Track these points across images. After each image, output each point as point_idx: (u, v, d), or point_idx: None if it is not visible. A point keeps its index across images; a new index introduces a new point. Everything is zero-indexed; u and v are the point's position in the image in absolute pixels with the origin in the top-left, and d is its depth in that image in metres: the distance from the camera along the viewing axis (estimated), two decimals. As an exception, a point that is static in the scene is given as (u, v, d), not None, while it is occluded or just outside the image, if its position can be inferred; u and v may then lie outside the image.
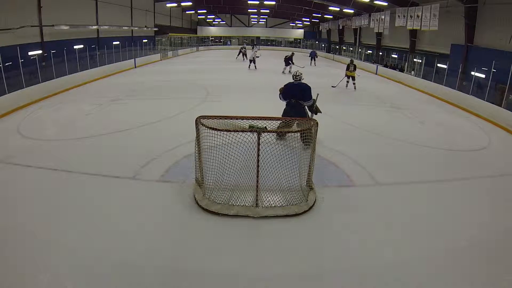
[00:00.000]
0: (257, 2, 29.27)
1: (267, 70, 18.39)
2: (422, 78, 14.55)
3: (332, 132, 6.90)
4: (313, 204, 4.14)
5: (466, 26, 13.58)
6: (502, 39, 11.92)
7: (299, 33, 42.14)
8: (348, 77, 12.94)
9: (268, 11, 36.15)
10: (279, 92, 6.35)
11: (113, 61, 16.19)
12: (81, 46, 14.38)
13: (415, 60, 17.33)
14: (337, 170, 5.24)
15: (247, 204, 3.98)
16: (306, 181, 4.37)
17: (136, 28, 24.29)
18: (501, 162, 6.07)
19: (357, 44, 27.11)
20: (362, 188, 4.76)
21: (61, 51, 12.01)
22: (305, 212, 3.98)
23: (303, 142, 4.53)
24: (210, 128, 3.82)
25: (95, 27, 18.77)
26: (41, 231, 3.52)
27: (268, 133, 3.97)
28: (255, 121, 4.00)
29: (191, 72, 16.93)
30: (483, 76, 11.09)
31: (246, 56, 21.28)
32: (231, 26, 42.18)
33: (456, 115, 10.05)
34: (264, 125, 4.44)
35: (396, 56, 20.03)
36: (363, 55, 24.07)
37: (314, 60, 21.87)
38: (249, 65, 18.48)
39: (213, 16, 40.43)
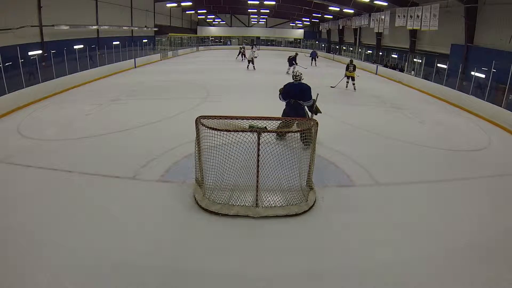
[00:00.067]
0: (257, 2, 29.28)
1: (267, 70, 18.39)
2: (422, 78, 14.54)
3: (332, 132, 6.91)
4: (313, 204, 4.14)
5: (466, 26, 13.58)
6: (502, 39, 11.92)
7: (299, 33, 42.14)
8: (348, 78, 12.87)
9: (268, 11, 36.14)
10: (279, 93, 6.35)
11: (113, 61, 16.17)
12: (81, 46, 14.37)
13: (415, 60, 17.33)
14: (337, 170, 5.24)
15: (247, 204, 3.98)
16: (306, 181, 4.37)
17: (136, 28, 24.29)
18: (501, 162, 6.07)
19: (357, 44, 27.12)
20: (362, 188, 4.76)
21: (61, 51, 12.01)
22: (305, 212, 3.99)
23: (303, 142, 4.54)
24: (210, 128, 3.82)
25: (95, 27, 18.77)
26: (41, 231, 3.52)
27: (268, 133, 3.97)
28: (255, 121, 4.00)
29: (191, 72, 16.94)
30: (483, 76, 11.08)
31: (245, 56, 21.22)
32: (231, 26, 42.18)
33: (456, 115, 10.05)
34: (264, 125, 4.45)
35: (396, 56, 20.03)
36: (363, 55, 24.07)
37: (315, 60, 21.83)
38: (248, 65, 18.39)
39: (213, 16, 40.44)
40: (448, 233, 3.74)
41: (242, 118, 3.89)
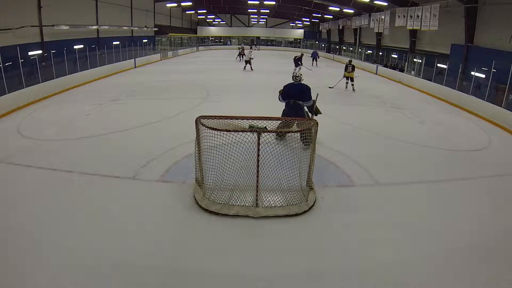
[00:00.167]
0: (257, 2, 29.29)
1: (267, 70, 18.38)
2: (422, 78, 14.54)
3: (332, 132, 6.91)
4: (313, 204, 4.14)
5: (466, 26, 13.58)
6: (502, 39, 11.93)
7: (299, 33, 42.15)
8: (347, 78, 12.74)
9: (268, 11, 36.15)
10: (278, 94, 6.34)
11: (113, 61, 16.18)
12: (81, 46, 14.37)
13: (415, 60, 17.33)
14: (337, 170, 5.24)
15: (247, 204, 3.98)
16: (306, 181, 4.37)
17: (136, 28, 24.29)
18: (501, 162, 6.07)
19: (357, 44, 27.13)
20: (362, 188, 4.76)
21: (61, 51, 12.00)
22: (305, 212, 3.99)
23: (303, 143, 4.53)
24: (210, 128, 3.82)
25: (95, 27, 18.77)
26: (41, 231, 3.52)
27: (268, 133, 3.97)
28: (255, 121, 4.00)
29: (191, 72, 16.94)
30: (483, 76, 11.08)
31: (242, 57, 21.00)
32: (231, 26, 42.19)
33: (456, 115, 10.05)
34: (264, 125, 4.45)
35: (396, 56, 20.04)
36: (363, 55, 24.08)
37: (316, 60, 21.75)
38: (245, 66, 18.10)
39: (213, 16, 40.45)
40: (448, 233, 3.73)
41: (242, 118, 3.89)
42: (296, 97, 6.06)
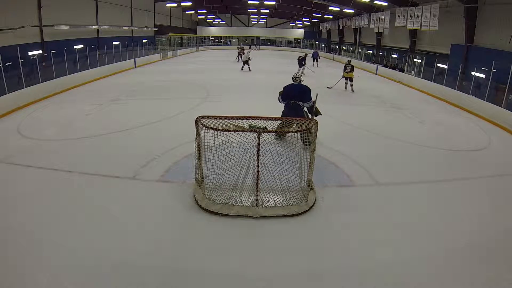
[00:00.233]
0: (257, 2, 29.29)
1: (268, 70, 18.38)
2: (422, 78, 14.54)
3: (332, 132, 6.91)
4: (313, 204, 4.14)
5: (466, 26, 13.58)
6: (502, 39, 11.92)
7: (299, 33, 42.15)
8: (346, 79, 12.59)
9: (268, 11, 36.15)
10: (278, 95, 6.34)
11: (113, 61, 16.18)
12: (81, 46, 14.37)
13: (415, 60, 17.33)
14: (337, 170, 5.24)
15: (247, 204, 3.98)
16: (306, 181, 4.37)
17: (136, 28, 24.29)
18: (501, 162, 6.07)
19: (357, 44, 27.13)
20: (362, 188, 4.76)
21: (61, 51, 12.01)
22: (305, 212, 3.99)
23: (303, 143, 4.53)
24: (210, 128, 3.82)
25: (95, 27, 18.77)
26: (41, 231, 3.52)
27: (268, 133, 3.98)
28: (255, 121, 4.00)
29: (191, 72, 16.94)
30: (483, 76, 11.08)
31: (241, 57, 20.78)
32: (231, 26, 42.19)
33: (456, 115, 10.05)
34: (264, 125, 4.45)
35: (396, 56, 20.04)
36: (363, 55, 24.08)
37: (317, 61, 21.57)
38: (242, 67, 17.87)
39: (213, 16, 40.45)
40: (448, 233, 3.73)
41: (242, 118, 3.89)
42: (296, 97, 6.06)
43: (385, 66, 19.51)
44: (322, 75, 17.04)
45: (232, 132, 3.81)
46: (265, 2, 28.59)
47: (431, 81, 13.66)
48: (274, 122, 4.37)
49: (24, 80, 9.32)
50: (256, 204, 3.97)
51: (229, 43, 41.81)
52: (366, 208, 4.23)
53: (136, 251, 3.27)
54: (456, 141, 7.22)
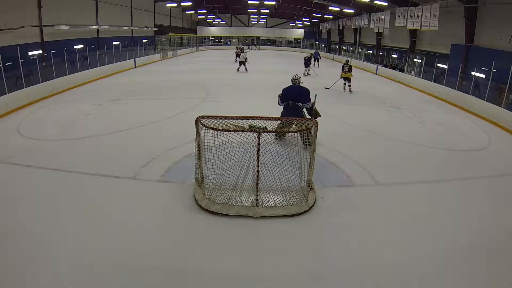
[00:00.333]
0: (257, 2, 29.28)
1: (268, 70, 18.38)
2: (422, 78, 14.54)
3: (332, 132, 6.91)
4: (313, 204, 4.14)
5: (466, 26, 13.58)
6: (502, 39, 11.92)
7: (299, 33, 42.15)
8: (344, 79, 12.44)
9: (268, 11, 36.15)
10: (278, 98, 6.34)
11: (113, 61, 16.19)
12: (81, 46, 14.38)
13: (415, 60, 17.33)
14: (337, 170, 5.24)
15: (247, 204, 3.98)
16: (306, 181, 4.37)
17: (136, 28, 24.29)
18: (501, 162, 6.07)
19: (357, 44, 27.12)
20: (362, 188, 4.76)
21: (61, 51, 12.01)
22: (305, 212, 3.99)
23: (303, 143, 4.53)
24: (210, 128, 3.82)
25: (95, 27, 18.77)
26: (41, 231, 3.52)
27: (268, 133, 3.98)
28: (255, 121, 4.00)
29: (191, 72, 16.94)
30: (483, 76, 11.08)
31: (239, 57, 20.54)
32: (231, 26, 42.19)
33: (456, 115, 10.04)
34: (264, 125, 4.45)
35: (396, 56, 20.03)
36: (363, 55, 24.08)
37: (318, 61, 21.38)
38: (238, 67, 17.55)
39: (213, 16, 40.45)
40: (448, 233, 3.74)
41: (242, 118, 3.89)
42: (295, 99, 6.06)
43: (385, 66, 19.50)
44: (322, 75, 17.01)
45: (232, 132, 3.81)
46: (265, 2, 28.58)
47: (431, 81, 13.66)
48: (274, 122, 4.37)
49: (24, 80, 9.32)
50: (256, 204, 3.97)
51: (229, 43, 41.82)
52: (366, 208, 4.23)
53: (136, 251, 3.27)
54: (456, 141, 7.22)
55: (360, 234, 3.66)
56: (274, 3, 29.15)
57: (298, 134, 4.66)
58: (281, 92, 6.26)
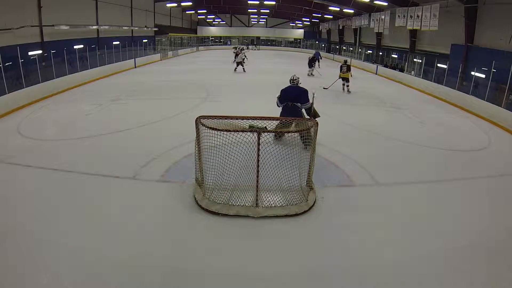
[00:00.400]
0: (257, 2, 29.28)
1: (268, 70, 18.38)
2: (422, 78, 14.54)
3: (332, 132, 6.91)
4: (313, 204, 4.14)
5: (466, 26, 13.58)
6: (502, 39, 11.92)
7: (299, 33, 42.15)
8: (343, 79, 12.28)
9: (268, 11, 36.15)
10: (276, 99, 6.34)
11: (113, 61, 16.19)
12: (81, 46, 14.38)
13: (415, 60, 17.33)
14: (337, 170, 5.24)
15: (247, 204, 3.98)
16: (306, 181, 4.37)
17: (136, 28, 24.29)
18: (501, 162, 6.07)
19: (357, 44, 27.12)
20: (362, 188, 4.76)
21: (61, 51, 12.01)
22: (305, 212, 3.99)
23: (303, 143, 4.53)
24: (210, 128, 3.82)
25: (95, 27, 18.77)
26: (41, 231, 3.52)
27: (268, 133, 3.98)
28: (255, 121, 4.01)
29: (191, 72, 16.94)
30: (483, 76, 11.09)
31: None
32: (231, 26, 42.20)
33: (456, 115, 10.05)
34: (264, 125, 4.45)
35: (396, 56, 20.04)
36: (363, 55, 24.08)
37: (318, 61, 21.33)
38: (235, 68, 17.27)
39: (213, 16, 40.46)
40: (448, 233, 3.74)
41: (242, 118, 3.89)
42: (294, 99, 6.06)
43: (385, 66, 19.50)
44: (322, 75, 17.01)
45: (232, 132, 3.81)
46: (265, 2, 28.58)
47: (431, 81, 13.66)
48: (274, 122, 4.37)
49: (24, 80, 9.31)
50: (256, 204, 3.97)
51: (229, 43, 41.81)
52: (366, 208, 4.23)
53: (136, 251, 3.27)
54: (456, 141, 7.22)
55: (360, 234, 3.66)
56: (274, 3, 29.15)
57: (298, 135, 4.66)
58: (279, 94, 6.26)
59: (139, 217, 3.86)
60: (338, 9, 24.28)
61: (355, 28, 26.61)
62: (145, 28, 25.77)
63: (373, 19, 22.01)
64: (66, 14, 15.70)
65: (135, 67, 18.59)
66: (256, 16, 40.73)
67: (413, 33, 18.65)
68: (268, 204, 4.01)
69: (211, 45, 39.88)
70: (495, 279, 3.04)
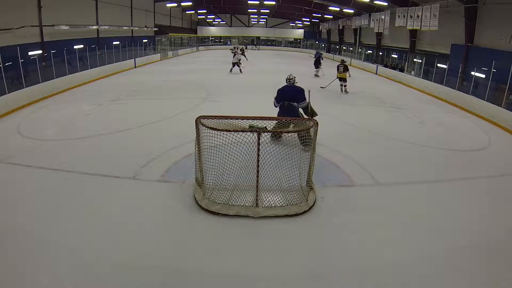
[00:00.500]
0: (257, 2, 29.28)
1: (267, 70, 18.37)
2: (422, 78, 14.54)
3: (332, 132, 6.91)
4: (313, 204, 4.14)
5: (466, 26, 13.58)
6: (502, 39, 11.92)
7: (299, 33, 42.15)
8: (340, 79, 12.19)
9: (268, 11, 36.15)
10: (274, 100, 6.34)
11: (113, 61, 16.18)
12: (81, 46, 14.38)
13: (415, 60, 17.33)
14: (337, 170, 5.24)
15: (247, 204, 3.98)
16: (306, 181, 4.37)
17: (136, 28, 24.29)
18: (501, 162, 6.07)
19: (357, 44, 27.12)
20: (362, 188, 4.76)
21: (61, 51, 12.01)
22: (305, 212, 3.99)
23: (301, 144, 4.53)
24: (210, 128, 3.82)
25: (95, 27, 18.77)
26: (41, 231, 3.52)
27: (268, 133, 3.97)
28: (255, 121, 4.01)
29: (191, 72, 16.94)
30: (483, 76, 11.09)
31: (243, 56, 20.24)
32: (231, 26, 42.20)
33: (456, 115, 10.04)
34: (264, 125, 4.45)
35: (396, 56, 20.04)
36: (363, 55, 24.08)
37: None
38: (231, 68, 16.90)
39: (213, 16, 40.46)
40: (448, 233, 3.74)
41: (242, 118, 3.89)
42: (291, 99, 6.06)
43: (385, 66, 19.50)
44: (325, 75, 16.98)
45: (232, 132, 3.81)
46: (265, 2, 28.58)
47: (431, 81, 13.66)
48: (274, 122, 4.36)
49: (24, 80, 9.31)
50: (256, 204, 3.97)
51: (229, 43, 41.81)
52: (366, 208, 4.23)
53: (136, 251, 3.27)
54: (456, 141, 7.22)
55: (360, 234, 3.66)
56: (274, 3, 29.15)
57: (296, 136, 4.66)
58: (276, 94, 6.26)
59: (139, 217, 3.86)
60: (338, 9, 24.29)
61: (355, 28, 26.61)
62: (145, 28, 25.77)
63: (373, 19, 22.02)
64: (66, 14, 15.70)
65: (135, 67, 18.58)
66: (256, 16, 40.73)
67: (413, 33, 18.65)
68: (268, 204, 4.01)
69: (211, 45, 39.89)
70: (495, 279, 3.04)
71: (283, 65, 21.42)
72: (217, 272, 3.05)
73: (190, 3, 28.58)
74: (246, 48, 25.79)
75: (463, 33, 13.85)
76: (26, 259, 3.09)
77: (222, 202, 4.00)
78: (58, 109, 8.95)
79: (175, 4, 27.99)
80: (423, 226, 3.86)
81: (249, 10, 36.69)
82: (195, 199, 4.15)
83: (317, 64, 16.84)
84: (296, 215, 3.92)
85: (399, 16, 17.89)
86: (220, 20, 41.47)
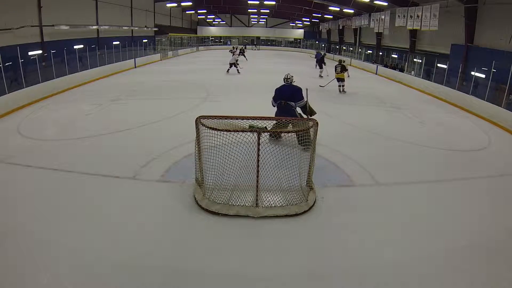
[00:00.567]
0: (257, 2, 29.29)
1: (267, 70, 18.36)
2: (422, 78, 14.54)
3: (332, 132, 6.91)
4: (313, 204, 4.14)
5: (466, 26, 13.58)
6: (502, 39, 11.92)
7: (299, 33, 42.17)
8: (338, 80, 12.14)
9: (268, 11, 36.16)
10: (272, 100, 6.33)
11: (113, 61, 16.19)
12: (81, 46, 14.38)
13: (415, 60, 17.33)
14: (337, 170, 5.24)
15: (247, 204, 3.98)
16: (306, 181, 4.37)
17: (136, 28, 24.29)
18: (501, 162, 6.07)
19: (357, 44, 27.12)
20: (362, 188, 4.76)
21: (61, 51, 12.01)
22: (305, 212, 3.98)
23: (299, 144, 4.52)
24: (210, 128, 3.82)
25: (95, 27, 18.77)
26: (41, 231, 3.52)
27: (268, 133, 3.97)
28: (255, 121, 4.01)
29: (191, 72, 16.94)
30: (483, 76, 11.09)
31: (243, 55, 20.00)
32: (231, 26, 42.21)
33: (456, 115, 10.04)
34: (264, 125, 4.45)
35: (396, 56, 20.04)
36: (363, 55, 24.07)
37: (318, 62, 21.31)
38: (228, 69, 16.52)
39: (213, 16, 40.47)
40: (448, 233, 3.74)
41: (242, 118, 3.89)
42: (288, 98, 6.06)
43: (385, 66, 19.51)
44: (326, 76, 16.99)
45: (232, 132, 3.81)
46: (265, 2, 28.59)
47: (431, 81, 13.66)
48: (274, 122, 4.36)
49: (24, 80, 9.31)
50: (256, 204, 3.97)
51: (229, 43, 41.83)
52: (366, 208, 4.23)
53: (136, 251, 3.27)
54: (456, 141, 7.22)
55: (360, 234, 3.66)
56: (274, 3, 29.16)
57: (295, 137, 4.66)
58: (274, 94, 6.26)
59: (139, 217, 3.86)
60: (338, 9, 24.29)
61: (355, 28, 26.62)
62: (145, 28, 25.77)
63: (373, 19, 22.02)
64: (66, 14, 15.70)
65: (135, 67, 18.58)
66: (256, 16, 40.74)
67: (413, 33, 18.65)
68: (268, 204, 4.01)
69: (211, 45, 39.91)
70: (495, 279, 3.04)
71: (283, 65, 21.42)
72: (217, 272, 3.05)
73: (190, 3, 28.58)
74: (245, 48, 25.78)
75: (463, 33, 13.85)
76: (26, 259, 3.08)
77: (222, 202, 4.00)
78: (58, 109, 8.95)
79: (175, 4, 28.00)
80: (423, 226, 3.86)
81: (249, 10, 36.71)
82: (195, 199, 4.15)
83: (321, 64, 16.78)
84: (296, 215, 3.92)
85: (399, 16, 17.90)
86: (220, 20, 41.48)
